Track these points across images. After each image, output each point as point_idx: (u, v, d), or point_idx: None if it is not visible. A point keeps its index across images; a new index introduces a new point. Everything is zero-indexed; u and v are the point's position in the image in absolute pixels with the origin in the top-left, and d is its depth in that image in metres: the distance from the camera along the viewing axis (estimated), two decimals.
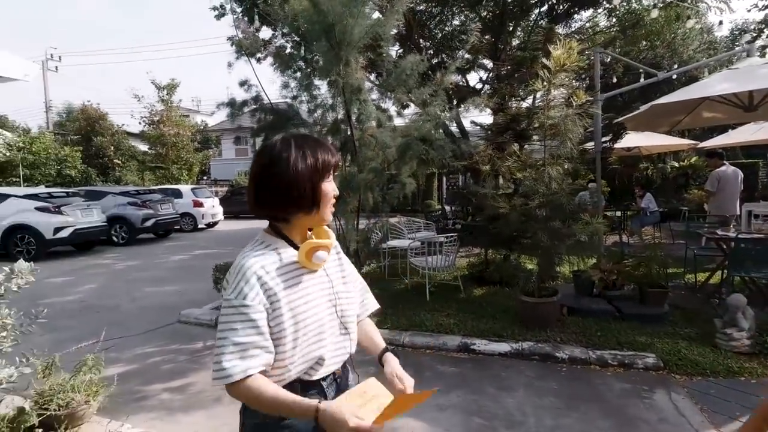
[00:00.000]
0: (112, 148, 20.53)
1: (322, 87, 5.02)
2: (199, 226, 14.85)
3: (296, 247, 1.17)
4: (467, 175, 8.85)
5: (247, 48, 4.93)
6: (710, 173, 6.79)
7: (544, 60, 4.25)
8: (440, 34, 9.78)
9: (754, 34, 10.14)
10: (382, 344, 1.39)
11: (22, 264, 2.31)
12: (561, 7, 8.59)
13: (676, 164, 14.96)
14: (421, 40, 9.40)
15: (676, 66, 9.83)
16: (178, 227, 13.92)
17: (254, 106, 5.14)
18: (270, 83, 5.32)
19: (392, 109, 5.47)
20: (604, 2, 8.43)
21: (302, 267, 1.16)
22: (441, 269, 5.57)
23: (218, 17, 9.46)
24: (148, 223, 11.85)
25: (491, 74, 8.95)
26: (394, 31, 5.05)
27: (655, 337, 4.06)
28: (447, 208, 10.75)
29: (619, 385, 3.46)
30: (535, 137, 5.52)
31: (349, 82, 4.41)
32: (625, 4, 9.52)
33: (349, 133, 4.78)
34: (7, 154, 15.49)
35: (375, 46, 5.10)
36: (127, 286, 7.09)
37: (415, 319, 4.71)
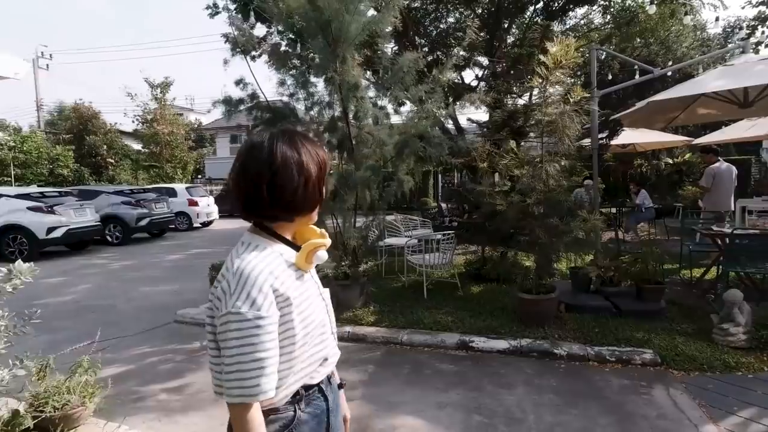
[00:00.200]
0: (105, 146, 20.36)
1: (318, 84, 5.00)
2: (194, 225, 14.77)
3: (294, 248, 1.12)
4: (463, 173, 8.85)
5: (242, 45, 4.88)
6: (705, 170, 6.83)
7: (541, 57, 4.24)
8: (435, 32, 9.75)
9: (748, 31, 10.20)
10: None
11: (21, 265, 2.27)
12: (556, 3, 8.59)
13: (670, 161, 15.06)
14: (416, 38, 9.37)
15: (670, 63, 9.86)
16: (173, 226, 13.83)
17: (250, 104, 5.10)
18: (266, 81, 5.25)
19: (389, 107, 5.46)
20: None
21: (298, 269, 1.11)
22: (438, 267, 5.56)
23: (212, 15, 9.37)
24: (143, 223, 11.76)
25: (487, 71, 8.94)
26: (390, 28, 5.02)
27: (652, 332, 4.08)
28: (443, 205, 10.74)
29: (618, 381, 3.47)
30: (531, 134, 5.53)
31: (346, 79, 4.39)
32: (620, 0, 9.54)
33: (346, 130, 4.75)
34: None
35: (371, 43, 5.07)
36: (123, 285, 7.03)
37: (413, 317, 4.71)
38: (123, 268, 8.59)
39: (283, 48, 6.33)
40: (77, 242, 10.39)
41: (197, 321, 5.08)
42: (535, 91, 5.03)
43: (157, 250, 10.82)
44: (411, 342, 4.28)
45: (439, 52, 9.03)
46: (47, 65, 24.41)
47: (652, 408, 3.07)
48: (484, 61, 9.11)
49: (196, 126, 27.13)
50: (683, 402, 3.12)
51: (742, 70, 4.62)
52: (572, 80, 5.57)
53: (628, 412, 3.03)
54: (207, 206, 15.13)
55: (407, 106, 5.89)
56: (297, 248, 1.13)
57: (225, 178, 24.18)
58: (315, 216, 1.16)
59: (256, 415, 0.98)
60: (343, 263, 4.90)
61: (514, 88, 6.76)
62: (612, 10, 9.83)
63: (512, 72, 6.82)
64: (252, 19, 7.83)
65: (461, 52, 8.81)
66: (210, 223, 15.60)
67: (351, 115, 4.68)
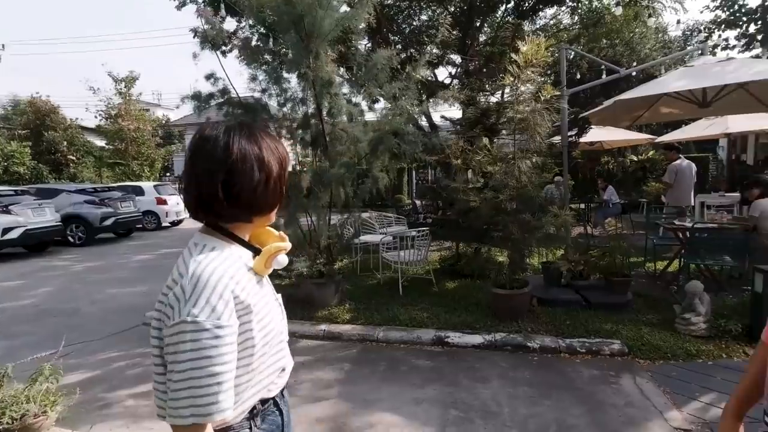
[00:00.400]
0: (65, 143, 19.42)
1: (291, 80, 4.92)
2: (163, 225, 14.31)
3: (253, 250, 1.05)
4: (437, 170, 8.93)
5: (211, 39, 4.74)
6: (668, 166, 7.11)
7: (513, 55, 4.30)
8: (409, 29, 9.79)
9: (706, 34, 10.68)
10: None
11: None
12: (527, 3, 8.75)
13: (635, 158, 15.61)
14: (390, 35, 9.37)
15: (634, 63, 10.21)
16: (141, 226, 13.35)
17: (221, 100, 4.97)
18: (237, 76, 5.09)
19: (363, 104, 5.43)
20: (568, 0, 8.65)
21: (256, 273, 1.03)
22: (413, 263, 5.59)
23: (179, 7, 9.09)
24: (108, 222, 11.29)
25: (460, 69, 9.03)
26: (364, 24, 4.99)
27: (620, 324, 4.22)
28: (417, 202, 10.80)
29: (588, 372, 3.58)
30: (504, 131, 5.61)
31: (320, 75, 4.33)
32: (587, 2, 9.81)
33: (320, 127, 4.69)
34: None
35: (345, 39, 5.03)
36: (87, 288, 6.74)
37: (389, 314, 4.71)
38: (87, 269, 8.23)
39: (254, 43, 6.20)
40: (36, 243, 9.88)
41: None
42: (507, 89, 5.10)
43: (123, 250, 10.43)
44: (387, 339, 4.28)
45: (412, 50, 9.06)
46: None
47: (621, 396, 3.18)
48: (457, 58, 9.21)
49: (164, 122, 26.29)
50: (649, 390, 3.25)
51: (701, 71, 4.83)
52: (543, 79, 5.68)
53: (599, 401, 3.12)
54: (176, 205, 14.65)
55: (381, 103, 5.89)
56: (256, 251, 1.06)
57: None
58: (274, 216, 1.09)
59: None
60: (317, 261, 4.86)
61: (487, 85, 6.86)
62: (580, 11, 10.12)
63: (485, 70, 6.91)
64: (222, 11, 7.64)
65: (434, 50, 8.88)
66: (180, 222, 15.15)
67: (325, 112, 4.63)
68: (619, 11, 8.50)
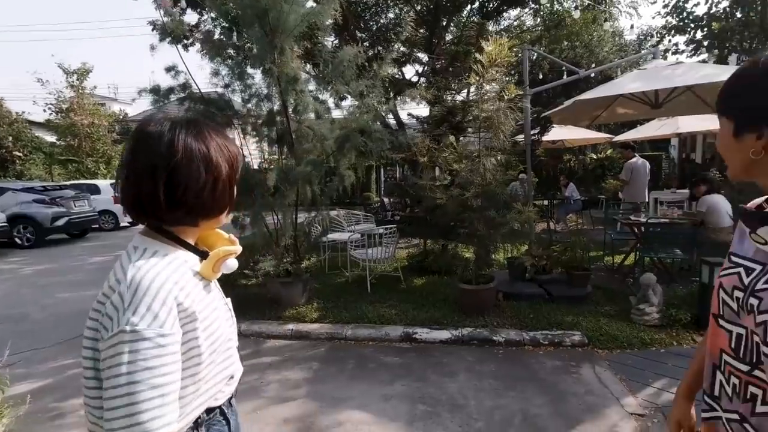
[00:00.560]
0: (10, 138, 18.22)
1: (256, 76, 4.80)
2: (122, 225, 13.68)
3: (199, 254, 0.99)
4: (405, 167, 8.99)
5: (171, 30, 4.56)
6: (624, 164, 7.45)
7: (477, 55, 4.38)
8: (376, 26, 9.77)
9: (658, 39, 11.22)
10: None
11: None
12: (491, 4, 8.92)
13: (595, 156, 16.26)
14: (357, 32, 9.33)
15: (593, 65, 10.62)
16: (97, 226, 12.73)
17: (182, 95, 4.79)
18: (199, 70, 4.92)
19: (330, 101, 5.38)
20: (530, 2, 8.88)
21: (203, 278, 0.97)
22: (381, 261, 5.60)
23: None
24: (60, 223, 10.68)
25: (427, 68, 9.10)
26: (331, 21, 4.94)
27: (580, 316, 4.39)
28: (385, 200, 10.83)
29: (551, 363, 3.70)
30: (470, 129, 5.70)
31: (285, 71, 4.26)
32: (548, 5, 10.12)
33: (286, 124, 4.62)
34: None
35: (311, 35, 4.96)
36: (37, 292, 6.37)
37: (357, 311, 4.71)
38: (37, 273, 7.77)
39: (217, 36, 6.02)
40: None
41: None
42: (473, 88, 5.19)
43: (78, 252, 9.91)
44: (355, 336, 4.28)
45: (380, 47, 9.06)
46: None
47: (581, 385, 3.30)
48: (424, 57, 9.27)
49: (121, 117, 25.11)
50: (607, 378, 3.39)
51: (653, 74, 5.07)
52: (507, 79, 5.81)
53: (561, 391, 3.23)
54: None
55: (349, 101, 5.86)
56: (203, 254, 0.99)
57: None
58: (224, 219, 1.03)
59: None
60: (284, 260, 4.78)
61: (453, 84, 6.96)
62: (542, 13, 10.41)
63: (451, 69, 7.00)
64: (183, 2, 7.37)
65: (402, 48, 8.90)
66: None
67: (291, 109, 4.55)
68: (577, 14, 8.82)
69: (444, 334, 4.17)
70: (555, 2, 10.25)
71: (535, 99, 7.50)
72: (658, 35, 11.46)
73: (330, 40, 9.39)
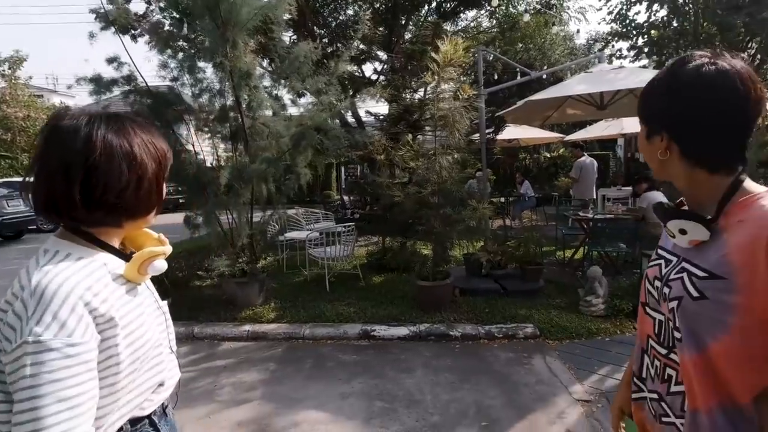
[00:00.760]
0: None
1: (207, 70, 4.64)
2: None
3: (123, 256, 0.94)
4: (365, 165, 9.00)
5: (114, 20, 4.31)
6: (574, 163, 7.80)
7: (433, 54, 4.43)
8: (335, 23, 9.70)
9: (603, 44, 11.81)
10: None
11: None
12: (448, 5, 9.07)
13: (548, 155, 16.93)
14: (315, 28, 9.22)
15: (546, 67, 11.03)
16: (35, 227, 11.89)
17: (127, 87, 4.54)
18: (146, 62, 4.66)
19: (286, 98, 5.28)
20: (486, 4, 9.10)
21: (128, 281, 0.92)
22: (340, 259, 5.57)
23: None
24: None
25: (386, 66, 9.13)
26: (288, 15, 4.84)
27: (533, 309, 4.55)
28: (346, 198, 10.79)
29: (505, 355, 3.81)
30: (427, 128, 5.77)
31: (238, 65, 4.14)
32: (503, 7, 10.41)
33: (239, 121, 4.49)
34: None
35: (266, 30, 4.84)
36: None
37: (316, 310, 4.67)
38: None
39: (167, 28, 5.76)
40: None
41: None
42: (429, 87, 5.26)
43: (13, 255, 9.22)
44: (314, 336, 4.24)
45: (339, 44, 8.99)
46: None
47: (532, 376, 3.43)
48: (383, 55, 9.30)
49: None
50: (557, 367, 3.54)
51: (598, 77, 5.34)
52: (464, 78, 5.94)
53: (514, 382, 3.34)
54: None
55: (307, 98, 5.78)
56: (126, 257, 0.94)
57: None
58: (152, 219, 0.98)
59: None
60: (240, 260, 4.66)
61: (412, 83, 7.02)
62: (497, 15, 10.70)
63: (409, 67, 7.06)
64: None
65: (361, 45, 8.88)
66: None
67: (244, 105, 4.43)
68: (526, 17, 9.18)
69: (402, 331, 4.21)
70: (510, 5, 10.58)
71: (491, 99, 7.69)
72: (603, 41, 12.05)
73: (288, 36, 9.24)
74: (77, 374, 0.76)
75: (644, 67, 10.05)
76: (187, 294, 5.23)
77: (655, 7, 9.74)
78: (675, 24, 9.73)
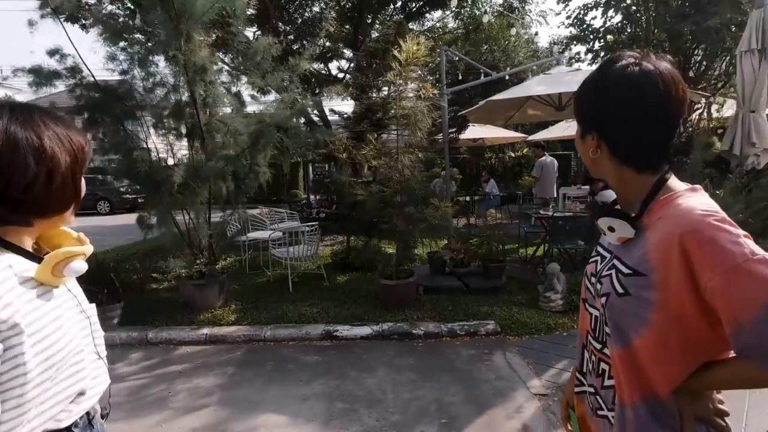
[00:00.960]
0: None
1: (160, 63, 4.45)
2: None
3: (33, 258, 0.88)
4: (331, 164, 8.92)
5: (57, 8, 4.05)
6: (536, 162, 8.00)
7: (396, 53, 4.42)
8: (301, 20, 9.56)
9: (563, 47, 12.19)
10: None
11: None
12: (414, 5, 9.12)
13: (513, 154, 17.31)
14: (280, 24, 9.05)
15: (509, 68, 11.27)
16: None
17: (73, 81, 4.29)
18: (92, 53, 4.39)
19: (246, 94, 5.14)
20: (450, 5, 9.21)
21: (42, 284, 0.87)
22: (304, 259, 5.48)
23: None
24: None
25: (351, 64, 9.08)
26: (249, 10, 4.72)
27: (495, 305, 4.61)
28: (312, 197, 10.66)
29: (466, 352, 3.85)
30: (392, 127, 5.76)
31: (193, 60, 3.98)
32: (468, 9, 10.56)
33: (195, 117, 4.33)
34: None
35: (225, 24, 4.70)
36: None
37: (278, 311, 4.57)
38: None
39: (120, 19, 5.50)
40: None
41: None
42: (392, 86, 5.25)
43: None
44: (275, 337, 4.14)
45: (305, 41, 8.87)
46: None
47: (492, 372, 3.47)
48: (348, 53, 9.25)
49: None
50: (516, 363, 3.60)
51: (556, 79, 5.48)
52: (429, 78, 5.96)
53: (474, 379, 3.37)
54: None
55: (271, 96, 5.65)
56: (36, 258, 0.88)
57: None
58: (69, 217, 0.93)
59: None
60: (198, 261, 4.50)
61: (377, 81, 7.00)
62: (462, 16, 10.84)
63: (373, 66, 7.05)
64: None
65: (327, 43, 8.79)
66: None
67: (200, 101, 4.27)
68: (486, 19, 9.40)
69: (365, 330, 4.18)
70: (474, 7, 10.74)
71: (456, 99, 7.78)
72: (563, 44, 12.43)
73: (252, 31, 9.03)
74: None
75: None
76: (141, 297, 5.01)
77: (610, 12, 10.12)
78: (629, 30, 10.14)
